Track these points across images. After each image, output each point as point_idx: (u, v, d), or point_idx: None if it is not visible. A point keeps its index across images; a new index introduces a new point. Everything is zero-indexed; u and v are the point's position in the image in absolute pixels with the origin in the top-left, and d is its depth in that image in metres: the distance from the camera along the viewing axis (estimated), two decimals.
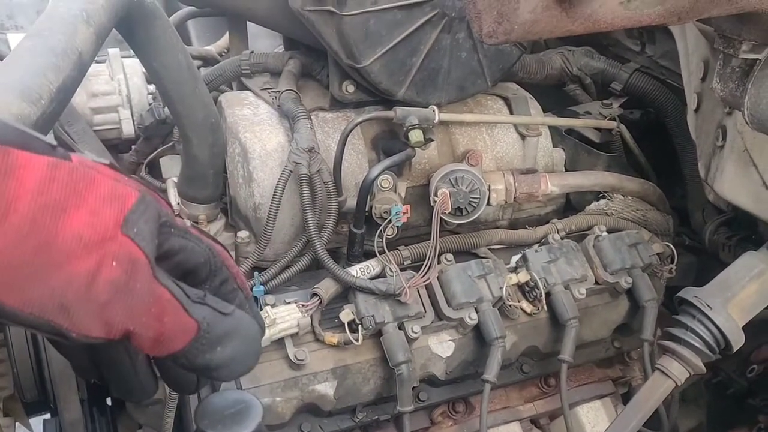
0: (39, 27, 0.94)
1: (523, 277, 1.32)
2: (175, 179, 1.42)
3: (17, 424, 1.34)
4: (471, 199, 1.32)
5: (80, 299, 0.46)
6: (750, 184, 1.21)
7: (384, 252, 1.26)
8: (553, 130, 1.55)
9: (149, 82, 1.58)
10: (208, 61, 1.77)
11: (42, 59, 0.85)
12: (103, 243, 0.47)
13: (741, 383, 1.73)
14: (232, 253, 1.38)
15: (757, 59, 0.98)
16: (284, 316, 1.16)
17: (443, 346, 1.29)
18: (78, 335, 0.48)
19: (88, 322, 0.47)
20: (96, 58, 1.00)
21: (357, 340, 1.19)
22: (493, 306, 1.29)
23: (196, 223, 1.38)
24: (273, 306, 1.18)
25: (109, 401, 1.48)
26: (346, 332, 1.20)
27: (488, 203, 1.36)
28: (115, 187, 0.49)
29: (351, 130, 1.27)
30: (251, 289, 1.20)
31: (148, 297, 0.49)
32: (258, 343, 0.57)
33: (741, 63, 1.00)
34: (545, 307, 1.33)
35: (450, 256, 1.31)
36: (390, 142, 1.36)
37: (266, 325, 1.14)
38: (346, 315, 1.21)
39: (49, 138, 0.49)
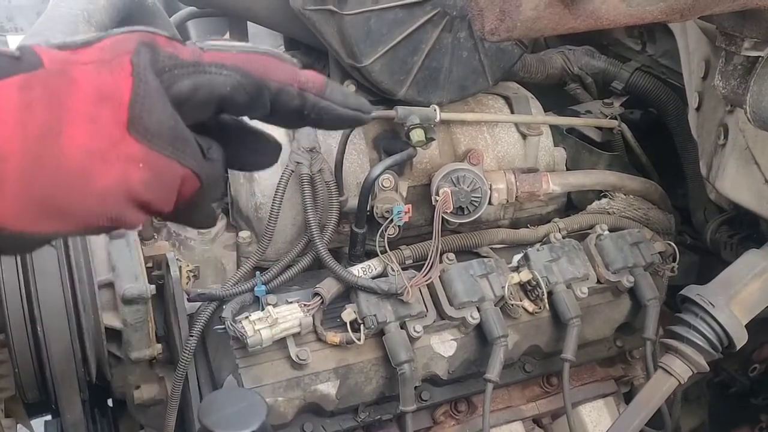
0: (40, 26, 0.94)
1: (525, 276, 1.32)
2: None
3: (18, 425, 1.34)
4: (472, 199, 1.32)
5: (123, 208, 0.44)
6: (752, 182, 1.21)
7: (386, 251, 1.26)
8: (554, 129, 1.55)
9: None
10: None
11: None
12: (116, 147, 0.43)
13: (743, 382, 1.73)
14: (233, 254, 1.38)
15: (759, 56, 0.98)
16: (286, 315, 1.16)
17: (445, 345, 1.29)
18: (137, 224, 0.47)
19: (138, 216, 0.46)
20: None
21: (359, 339, 1.19)
22: (495, 305, 1.29)
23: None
24: (275, 306, 1.18)
25: (110, 402, 1.48)
26: (348, 332, 1.20)
27: (490, 202, 1.36)
28: (101, 81, 0.44)
29: (352, 130, 1.27)
30: (253, 289, 1.20)
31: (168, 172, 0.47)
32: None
33: (743, 60, 1.00)
34: (547, 306, 1.33)
35: (452, 256, 1.31)
36: (391, 141, 1.36)
37: (268, 325, 1.14)
38: (348, 314, 1.20)
39: (7, 47, 0.45)
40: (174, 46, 0.48)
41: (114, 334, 1.23)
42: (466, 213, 1.33)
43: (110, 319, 1.21)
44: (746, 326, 1.19)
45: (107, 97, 0.43)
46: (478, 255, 1.36)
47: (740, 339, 1.17)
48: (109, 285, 1.20)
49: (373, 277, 1.26)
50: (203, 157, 0.49)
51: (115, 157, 0.43)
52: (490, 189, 1.35)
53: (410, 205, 1.28)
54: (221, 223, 1.41)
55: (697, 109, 1.38)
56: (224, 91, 0.48)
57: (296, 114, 0.52)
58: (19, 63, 0.43)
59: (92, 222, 0.44)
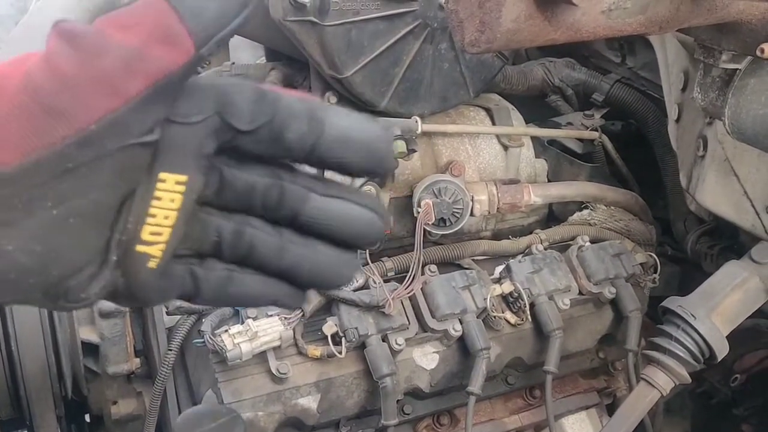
0: (17, 35, 0.93)
1: (507, 287, 1.31)
2: None
3: None
4: (454, 210, 1.32)
5: (51, 88, 0.37)
6: (731, 193, 1.22)
7: (367, 263, 1.25)
8: (536, 140, 1.56)
9: None
10: None
11: None
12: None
13: (725, 393, 1.73)
14: None
15: (737, 69, 0.98)
16: (266, 329, 1.15)
17: (427, 358, 1.28)
18: (94, 120, 0.38)
19: (86, 101, 0.38)
20: None
21: (340, 352, 1.18)
22: (477, 317, 1.28)
23: None
24: (255, 319, 1.16)
25: (87, 418, 1.46)
26: (329, 345, 1.18)
27: (471, 214, 1.35)
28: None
29: None
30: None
31: (96, 30, 0.39)
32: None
33: (721, 73, 1.01)
34: (529, 317, 1.32)
35: (434, 267, 1.31)
36: None
37: (247, 338, 1.13)
38: (329, 327, 1.19)
39: None
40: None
41: (91, 348, 1.21)
42: (447, 224, 1.33)
43: (87, 333, 1.19)
44: (727, 337, 1.19)
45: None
46: (460, 267, 1.36)
47: (721, 350, 1.18)
48: None
49: (355, 290, 1.25)
50: None
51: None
52: (472, 200, 1.35)
53: (392, 216, 1.27)
54: None
55: (677, 120, 1.39)
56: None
57: None
58: None
59: (39, 126, 0.37)
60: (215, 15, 0.39)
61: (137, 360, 1.25)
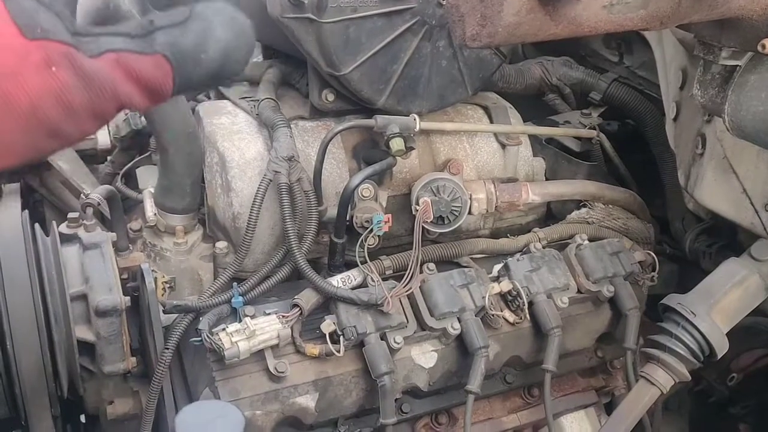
0: None
1: (505, 286, 1.31)
2: (152, 190, 1.40)
3: None
4: (453, 208, 1.31)
5: (57, 120, 0.43)
6: (730, 191, 1.22)
7: (365, 262, 1.25)
8: (533, 139, 1.55)
9: None
10: None
11: None
12: (25, 61, 0.42)
13: (722, 392, 1.73)
14: (210, 265, 1.36)
15: (737, 65, 0.98)
16: (264, 327, 1.14)
17: (426, 356, 1.27)
18: (81, 138, 0.47)
19: (80, 127, 0.45)
20: None
21: (339, 351, 1.17)
22: (475, 315, 1.28)
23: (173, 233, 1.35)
24: (252, 317, 1.16)
25: (83, 418, 1.45)
26: (327, 343, 1.18)
27: (470, 212, 1.35)
28: None
29: (331, 139, 1.26)
30: (230, 301, 1.18)
31: (104, 71, 0.45)
32: (232, 18, 0.51)
33: (721, 69, 1.01)
34: (528, 316, 1.32)
35: (432, 266, 1.30)
36: (371, 150, 1.35)
37: (245, 337, 1.12)
38: (327, 326, 1.18)
39: None
40: None
41: (87, 348, 1.20)
42: (446, 223, 1.32)
43: (83, 332, 1.18)
44: (725, 335, 1.19)
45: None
46: (458, 265, 1.35)
47: (721, 348, 1.17)
48: (82, 297, 1.17)
49: (353, 288, 1.24)
50: (133, 39, 0.47)
51: (26, 68, 0.42)
52: (470, 199, 1.34)
53: (390, 214, 1.27)
54: (198, 233, 1.38)
55: (675, 119, 1.39)
56: None
57: None
58: None
59: (34, 142, 0.44)
60: (203, 75, 0.49)
61: (133, 359, 1.24)
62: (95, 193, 1.27)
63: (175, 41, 0.47)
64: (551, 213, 1.59)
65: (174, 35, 0.47)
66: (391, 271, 1.29)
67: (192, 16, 0.48)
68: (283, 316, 1.17)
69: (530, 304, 1.32)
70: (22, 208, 1.18)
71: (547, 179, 1.55)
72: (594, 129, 1.60)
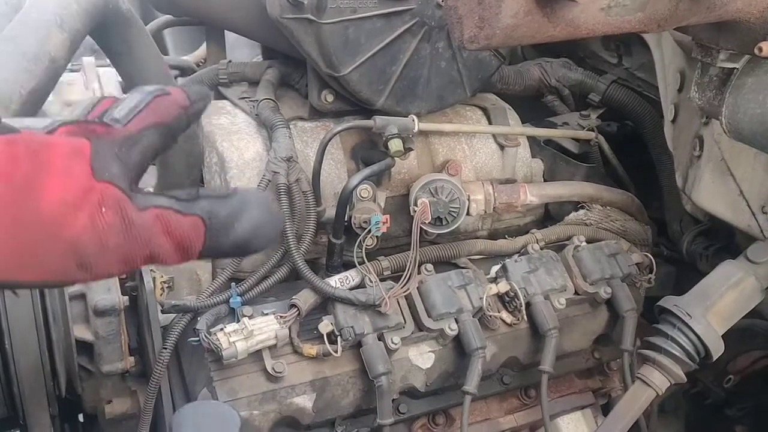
0: (11, 32, 0.92)
1: (503, 287, 1.31)
2: (151, 190, 1.39)
3: None
4: (451, 209, 1.32)
5: (91, 254, 0.47)
6: (727, 193, 1.22)
7: (363, 262, 1.25)
8: (532, 140, 1.56)
9: (125, 92, 1.55)
10: (185, 71, 1.75)
11: (12, 63, 0.83)
12: (87, 197, 0.47)
13: (718, 393, 1.73)
14: (208, 265, 1.36)
15: (735, 68, 0.99)
16: (262, 327, 1.14)
17: (423, 357, 1.28)
18: (104, 277, 0.49)
19: (108, 267, 0.49)
20: (71, 67, 0.98)
21: (336, 351, 1.18)
22: (473, 316, 1.28)
23: None
24: (250, 317, 1.16)
25: (81, 417, 1.45)
26: (325, 344, 1.18)
27: (468, 213, 1.35)
28: (70, 142, 0.49)
29: (330, 140, 1.26)
30: (228, 301, 1.18)
31: (145, 223, 0.49)
32: (267, 203, 0.57)
33: (719, 72, 1.01)
34: (525, 317, 1.32)
35: (430, 267, 1.31)
36: (369, 151, 1.35)
37: (243, 337, 1.12)
38: (325, 326, 1.19)
39: None
40: (107, 131, 0.53)
41: (85, 347, 1.20)
42: (444, 224, 1.33)
43: (81, 332, 1.18)
44: (721, 337, 1.19)
45: (79, 151, 0.48)
46: (456, 266, 1.36)
47: (717, 350, 1.18)
48: (81, 296, 1.17)
49: (351, 289, 1.24)
50: (178, 200, 0.52)
51: (86, 204, 0.47)
52: (468, 200, 1.35)
53: (388, 215, 1.27)
54: None
55: (673, 121, 1.39)
56: (158, 145, 0.55)
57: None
58: (2, 127, 0.47)
59: (64, 269, 0.47)
60: (232, 242, 0.53)
61: (132, 359, 1.24)
62: None
63: (213, 208, 0.52)
64: (549, 214, 1.59)
65: (214, 203, 0.52)
66: (389, 272, 1.29)
67: (233, 193, 0.54)
68: (281, 317, 1.17)
69: (527, 305, 1.32)
70: None
71: (545, 180, 1.55)
72: (592, 130, 1.60)
